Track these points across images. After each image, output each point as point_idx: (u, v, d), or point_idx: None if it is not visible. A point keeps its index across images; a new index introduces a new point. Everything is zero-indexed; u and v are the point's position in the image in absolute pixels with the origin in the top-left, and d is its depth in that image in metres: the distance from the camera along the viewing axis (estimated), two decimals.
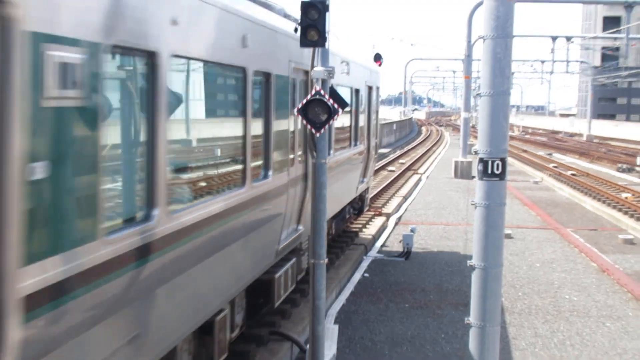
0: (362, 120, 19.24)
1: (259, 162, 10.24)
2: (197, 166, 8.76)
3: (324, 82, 9.18)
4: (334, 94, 9.21)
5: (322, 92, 8.90)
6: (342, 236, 19.63)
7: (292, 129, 11.79)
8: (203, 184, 8.80)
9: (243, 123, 9.46)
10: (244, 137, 9.41)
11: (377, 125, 22.13)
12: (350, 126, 17.31)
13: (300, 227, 12.56)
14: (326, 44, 9.00)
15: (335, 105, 8.79)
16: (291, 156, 11.76)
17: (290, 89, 11.50)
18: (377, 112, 21.05)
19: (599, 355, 12.24)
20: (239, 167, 9.43)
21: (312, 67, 9.38)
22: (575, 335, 13.22)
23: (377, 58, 55.95)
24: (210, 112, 9.51)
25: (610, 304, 15.33)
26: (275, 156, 10.70)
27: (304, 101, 8.80)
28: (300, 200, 12.26)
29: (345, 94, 15.18)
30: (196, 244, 7.68)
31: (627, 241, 22.33)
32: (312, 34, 8.76)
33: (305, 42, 8.78)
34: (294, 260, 12.36)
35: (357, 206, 20.88)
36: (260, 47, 9.77)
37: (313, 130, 8.92)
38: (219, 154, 9.63)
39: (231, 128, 9.73)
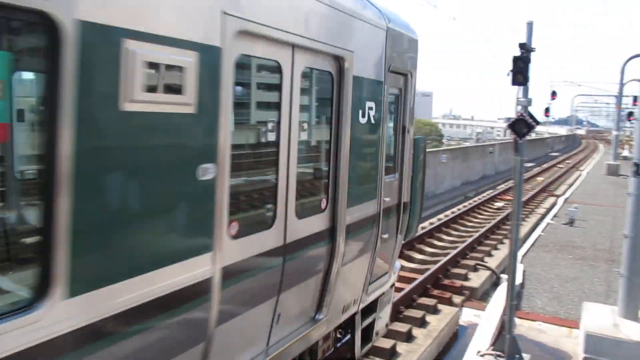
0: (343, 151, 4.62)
1: None
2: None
3: (524, 108, 8.38)
4: (530, 115, 8.37)
5: (524, 114, 8.15)
6: None
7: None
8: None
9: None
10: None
11: (408, 161, 6.10)
12: (281, 173, 3.87)
13: None
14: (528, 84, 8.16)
15: (533, 123, 8.01)
16: None
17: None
18: (405, 127, 5.95)
19: None
20: None
21: (517, 99, 8.54)
22: None
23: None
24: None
25: None
26: None
27: (513, 119, 8.08)
28: None
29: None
30: None
31: None
32: (519, 77, 8.05)
33: (515, 82, 8.08)
34: None
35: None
36: None
37: (517, 138, 8.13)
38: None
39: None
